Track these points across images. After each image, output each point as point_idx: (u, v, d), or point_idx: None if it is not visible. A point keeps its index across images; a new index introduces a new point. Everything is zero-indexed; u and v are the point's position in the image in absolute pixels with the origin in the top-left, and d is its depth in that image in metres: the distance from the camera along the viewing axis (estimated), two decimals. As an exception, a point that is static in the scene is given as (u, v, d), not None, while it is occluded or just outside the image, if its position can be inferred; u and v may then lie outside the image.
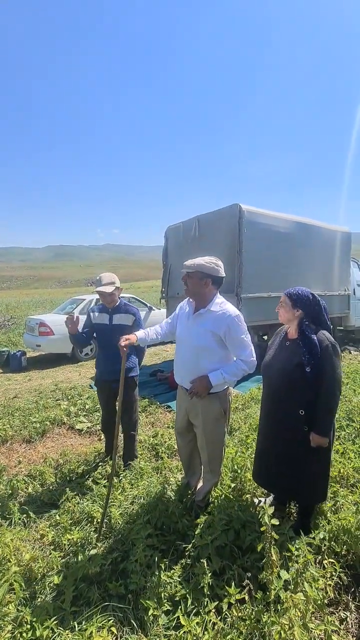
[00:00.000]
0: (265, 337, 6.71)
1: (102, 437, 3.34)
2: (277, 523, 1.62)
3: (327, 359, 1.86)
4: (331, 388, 1.85)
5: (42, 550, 2.06)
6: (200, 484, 2.43)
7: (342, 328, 8.11)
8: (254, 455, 2.21)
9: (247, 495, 2.30)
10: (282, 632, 1.30)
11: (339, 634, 1.52)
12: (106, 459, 3.07)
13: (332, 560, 1.65)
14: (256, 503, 2.16)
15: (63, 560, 1.95)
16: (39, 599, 1.71)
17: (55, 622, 1.53)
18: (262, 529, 1.61)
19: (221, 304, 2.11)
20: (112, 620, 1.58)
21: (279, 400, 2.02)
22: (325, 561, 1.67)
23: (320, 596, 1.44)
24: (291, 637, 1.29)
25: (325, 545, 1.89)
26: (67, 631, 1.49)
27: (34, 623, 1.51)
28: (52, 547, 2.09)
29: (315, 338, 1.90)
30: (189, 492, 2.39)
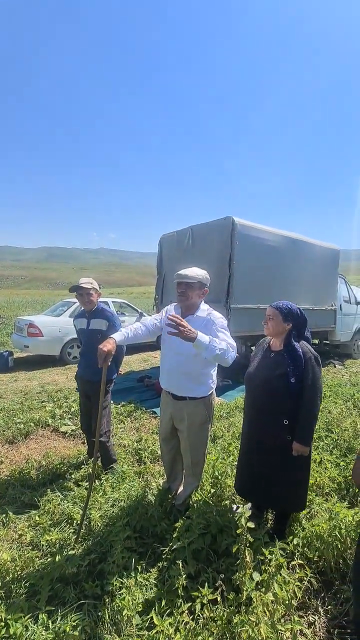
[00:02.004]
0: (253, 348, 6.82)
1: (86, 439, 3.36)
2: (253, 526, 1.69)
3: (310, 369, 1.93)
4: (313, 398, 1.92)
5: (19, 550, 2.06)
6: (181, 489, 2.47)
7: (328, 342, 8.29)
8: (236, 464, 2.26)
9: (226, 502, 2.35)
10: (250, 630, 1.34)
11: (306, 637, 1.57)
12: (89, 461, 3.08)
13: (301, 562, 1.71)
14: (234, 509, 2.21)
15: (40, 560, 1.96)
16: (14, 598, 1.72)
17: (29, 620, 1.54)
18: (238, 531, 1.66)
19: (207, 310, 2.21)
20: (86, 620, 1.60)
21: (262, 410, 2.05)
22: (294, 562, 1.73)
23: (289, 597, 1.49)
24: (258, 636, 1.34)
25: (298, 550, 1.95)
26: (41, 628, 1.51)
27: (8, 620, 1.52)
28: (30, 547, 2.09)
29: (301, 350, 1.97)
30: (169, 496, 2.42)
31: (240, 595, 1.55)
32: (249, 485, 2.19)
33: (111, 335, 2.11)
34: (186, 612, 1.57)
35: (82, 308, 2.97)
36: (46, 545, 2.06)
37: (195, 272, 2.13)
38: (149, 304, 19.77)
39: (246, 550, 1.58)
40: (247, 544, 1.62)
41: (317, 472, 2.66)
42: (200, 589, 1.62)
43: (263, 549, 1.75)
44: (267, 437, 2.03)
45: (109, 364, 2.07)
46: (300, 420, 1.92)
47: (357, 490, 2.56)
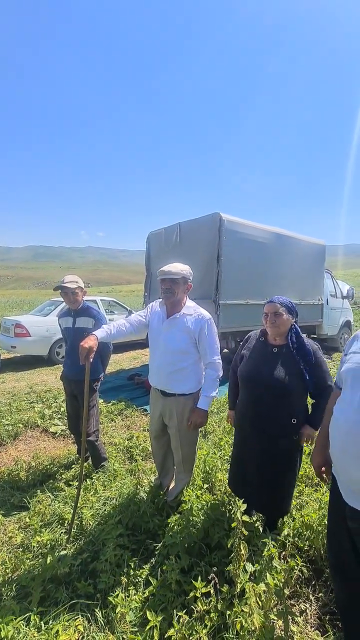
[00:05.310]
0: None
1: (76, 440, 3.33)
2: (248, 519, 1.70)
3: (322, 361, 1.89)
4: (331, 386, 1.79)
5: (9, 552, 2.03)
6: (172, 485, 2.48)
7: (315, 336, 8.42)
8: (227, 458, 2.25)
9: (217, 496, 2.36)
10: (242, 620, 1.36)
11: (298, 625, 1.60)
12: (79, 461, 3.05)
13: (293, 552, 1.74)
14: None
15: (31, 562, 1.93)
16: (5, 600, 1.69)
17: (21, 622, 1.52)
18: (233, 525, 1.67)
19: (194, 307, 2.19)
20: (79, 619, 1.58)
21: (267, 413, 1.89)
22: (285, 552, 1.75)
23: (280, 585, 1.51)
24: (251, 626, 1.35)
25: (289, 541, 1.98)
26: (33, 630, 1.49)
27: (-2, 624, 1.50)
28: (20, 549, 2.06)
29: (309, 345, 1.89)
30: (161, 492, 2.42)
31: (234, 587, 1.56)
32: (242, 488, 2.04)
33: (93, 332, 2.07)
34: (179, 606, 1.58)
35: (67, 306, 2.94)
36: (37, 547, 2.03)
37: (178, 267, 2.11)
38: (138, 302, 19.72)
39: (241, 544, 1.59)
40: (242, 537, 1.63)
41: (306, 463, 2.70)
42: (194, 582, 1.63)
43: (255, 540, 1.77)
44: (270, 439, 1.89)
45: (92, 361, 2.04)
46: (319, 409, 1.84)
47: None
